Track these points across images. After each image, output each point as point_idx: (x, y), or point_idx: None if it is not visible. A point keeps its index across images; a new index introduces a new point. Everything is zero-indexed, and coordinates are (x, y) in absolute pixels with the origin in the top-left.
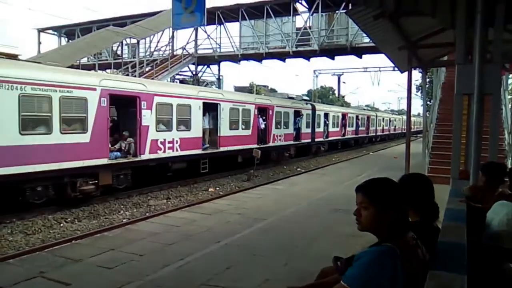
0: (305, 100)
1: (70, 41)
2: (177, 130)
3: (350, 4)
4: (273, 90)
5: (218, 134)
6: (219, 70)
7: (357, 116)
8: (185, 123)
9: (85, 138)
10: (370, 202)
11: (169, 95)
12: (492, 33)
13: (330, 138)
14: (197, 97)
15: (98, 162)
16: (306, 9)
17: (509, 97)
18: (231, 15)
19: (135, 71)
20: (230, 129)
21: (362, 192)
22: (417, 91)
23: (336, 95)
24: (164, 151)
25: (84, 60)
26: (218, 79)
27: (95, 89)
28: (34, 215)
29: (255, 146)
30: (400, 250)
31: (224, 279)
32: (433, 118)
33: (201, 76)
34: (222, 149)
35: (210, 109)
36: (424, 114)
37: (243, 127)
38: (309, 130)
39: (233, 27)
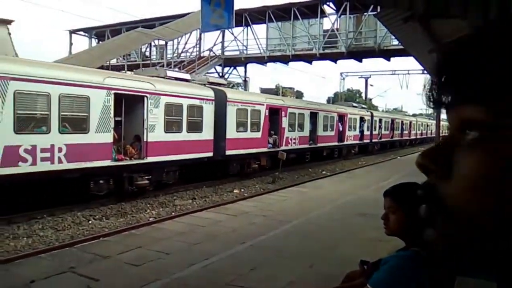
0: (364, 108)
1: (100, 42)
2: (297, 131)
3: (379, 7)
4: (299, 92)
5: (317, 134)
6: (245, 71)
7: (402, 121)
8: (301, 126)
9: (258, 135)
10: (399, 207)
11: (294, 107)
12: None
13: (382, 140)
14: (307, 107)
15: (263, 150)
16: (334, 11)
17: None
18: (258, 17)
19: None
20: (323, 131)
21: (390, 197)
22: None
23: (363, 98)
24: (291, 145)
25: (113, 61)
26: (245, 80)
27: (263, 104)
28: (64, 211)
29: (336, 143)
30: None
31: (248, 280)
32: None
33: (228, 77)
34: (319, 145)
35: (311, 116)
36: None
37: (330, 129)
38: (368, 133)
39: (260, 29)
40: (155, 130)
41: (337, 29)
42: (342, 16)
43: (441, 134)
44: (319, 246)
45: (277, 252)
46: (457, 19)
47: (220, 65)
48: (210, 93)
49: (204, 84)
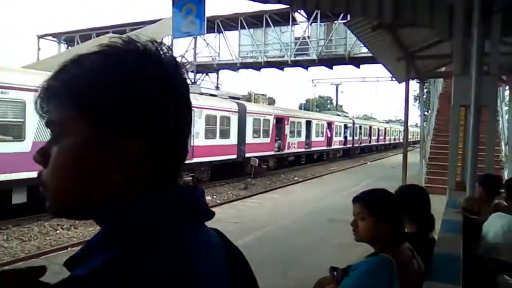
0: (346, 116)
1: (69, 47)
2: (296, 137)
3: (348, 15)
4: (271, 99)
5: (310, 140)
6: (217, 78)
7: (378, 128)
8: (299, 133)
9: (268, 140)
10: (368, 213)
11: (294, 117)
12: (489, 45)
13: (362, 144)
14: (303, 117)
15: (271, 153)
16: (305, 19)
17: (506, 108)
18: (230, 24)
19: None
20: (316, 136)
21: (359, 203)
22: (414, 102)
23: (334, 104)
24: (292, 149)
25: None
26: (217, 87)
27: (271, 115)
28: (30, 221)
29: (325, 148)
30: (396, 261)
31: None
32: (430, 129)
33: (200, 84)
34: (312, 149)
35: (306, 124)
36: (422, 125)
37: (321, 135)
38: (351, 138)
39: (232, 36)
40: (199, 137)
41: (308, 37)
42: (313, 24)
43: (409, 140)
44: (291, 252)
45: (249, 259)
46: (424, 28)
47: (192, 71)
48: (234, 106)
49: (227, 98)
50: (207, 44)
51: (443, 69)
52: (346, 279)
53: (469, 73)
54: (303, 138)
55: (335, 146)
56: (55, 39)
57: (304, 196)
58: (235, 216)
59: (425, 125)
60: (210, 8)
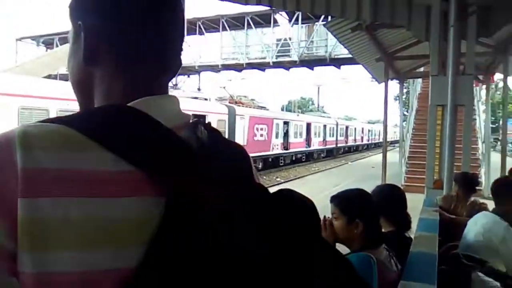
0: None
1: (48, 50)
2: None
3: (328, 16)
4: (253, 100)
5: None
6: (199, 80)
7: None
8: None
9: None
10: (341, 213)
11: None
12: (465, 45)
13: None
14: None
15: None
16: (287, 20)
17: (483, 107)
18: (212, 26)
19: None
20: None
21: (333, 203)
22: (394, 101)
23: (316, 105)
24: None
25: (63, 70)
26: (198, 89)
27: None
28: None
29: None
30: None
31: None
32: (410, 128)
33: (181, 86)
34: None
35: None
36: (401, 124)
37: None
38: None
39: (214, 38)
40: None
41: (290, 38)
42: (294, 25)
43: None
44: None
45: None
46: (403, 29)
47: None
48: (334, 122)
49: (330, 117)
50: (188, 46)
51: (421, 69)
52: None
53: (446, 73)
54: (354, 137)
55: (364, 142)
56: (33, 42)
57: None
58: None
59: (404, 125)
60: (191, 10)
